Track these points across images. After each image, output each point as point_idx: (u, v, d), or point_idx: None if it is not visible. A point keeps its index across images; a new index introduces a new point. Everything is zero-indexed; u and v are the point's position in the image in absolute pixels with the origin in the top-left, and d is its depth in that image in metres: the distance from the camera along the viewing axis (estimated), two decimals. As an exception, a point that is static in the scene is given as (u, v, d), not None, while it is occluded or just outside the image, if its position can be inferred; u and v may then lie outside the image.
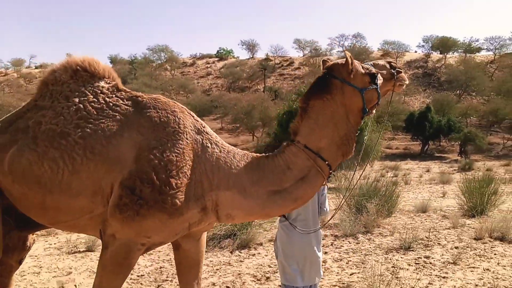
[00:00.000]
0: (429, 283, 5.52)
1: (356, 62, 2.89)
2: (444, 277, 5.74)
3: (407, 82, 3.14)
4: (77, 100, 2.93)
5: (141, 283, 5.76)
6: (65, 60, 3.14)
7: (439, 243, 7.44)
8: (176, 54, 79.53)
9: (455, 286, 5.39)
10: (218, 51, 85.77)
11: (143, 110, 2.85)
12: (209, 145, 2.86)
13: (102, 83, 3.05)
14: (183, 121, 2.84)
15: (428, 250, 7.04)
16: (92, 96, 2.95)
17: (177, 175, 2.64)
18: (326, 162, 2.83)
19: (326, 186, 3.79)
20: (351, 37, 76.42)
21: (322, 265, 5.55)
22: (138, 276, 6.05)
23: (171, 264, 6.53)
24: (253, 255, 6.98)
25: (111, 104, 2.91)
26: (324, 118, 2.82)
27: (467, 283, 5.50)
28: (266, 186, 2.81)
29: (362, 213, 8.71)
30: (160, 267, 6.42)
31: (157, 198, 2.58)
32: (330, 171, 2.87)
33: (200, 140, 2.84)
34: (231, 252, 7.09)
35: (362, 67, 2.91)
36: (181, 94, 62.66)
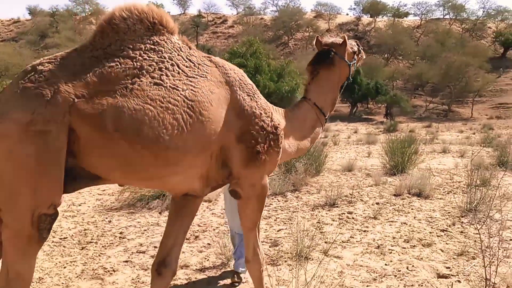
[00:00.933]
0: (350, 237, 5.80)
1: (348, 43, 3.70)
2: (364, 231, 6.06)
3: (364, 57, 4.09)
4: (166, 55, 2.85)
5: (64, 246, 5.54)
6: (133, 7, 2.82)
7: (362, 200, 7.83)
8: (101, 7, 75.10)
9: (374, 239, 5.71)
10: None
11: (224, 69, 3.07)
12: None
13: (175, 39, 2.99)
14: (247, 78, 3.23)
15: (351, 206, 7.38)
16: (176, 53, 2.91)
17: (273, 118, 3.18)
18: (326, 118, 3.69)
19: None
20: (285, -4, 76.18)
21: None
22: (60, 239, 5.81)
23: (96, 226, 6.34)
24: (183, 215, 6.93)
25: (195, 62, 2.96)
26: (329, 84, 3.67)
27: (385, 236, 5.85)
28: (298, 133, 3.53)
29: (291, 172, 8.93)
30: (85, 229, 6.20)
31: (273, 137, 3.13)
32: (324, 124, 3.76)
33: (259, 94, 3.30)
34: (160, 213, 7.00)
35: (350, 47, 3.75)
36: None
